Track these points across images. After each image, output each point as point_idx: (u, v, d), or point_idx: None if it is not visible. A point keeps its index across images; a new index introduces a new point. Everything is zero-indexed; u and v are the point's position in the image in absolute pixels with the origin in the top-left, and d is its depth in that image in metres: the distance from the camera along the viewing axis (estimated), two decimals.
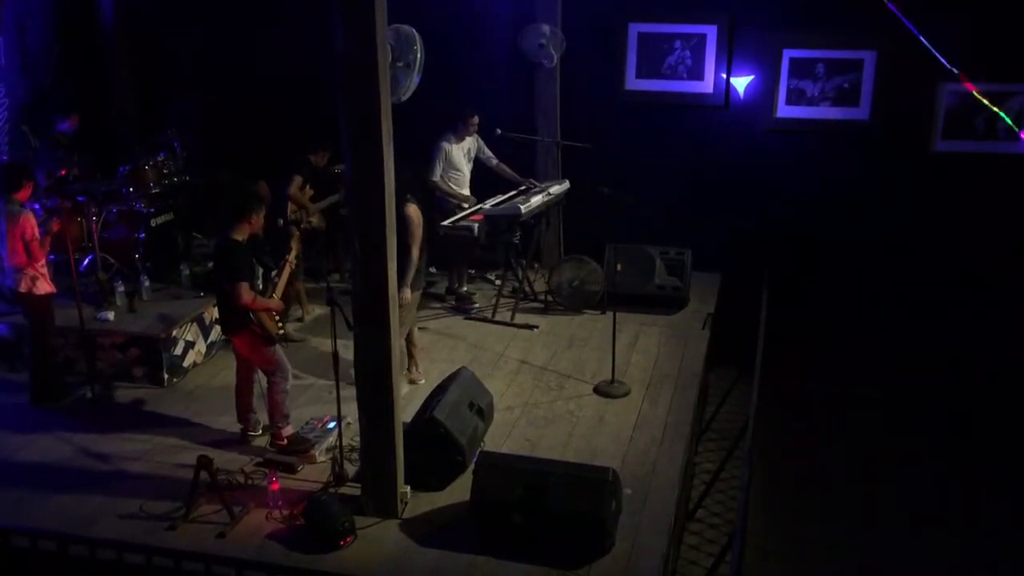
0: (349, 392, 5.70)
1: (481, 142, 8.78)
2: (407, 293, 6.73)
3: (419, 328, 7.61)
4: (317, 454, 6.08)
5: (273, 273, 6.35)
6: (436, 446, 5.75)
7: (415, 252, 6.76)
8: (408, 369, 7.22)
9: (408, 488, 5.56)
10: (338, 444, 5.86)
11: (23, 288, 6.75)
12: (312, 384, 7.19)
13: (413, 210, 6.77)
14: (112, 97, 10.40)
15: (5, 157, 9.00)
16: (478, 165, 8.84)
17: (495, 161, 8.85)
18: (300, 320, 8.33)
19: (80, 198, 8.17)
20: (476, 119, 8.54)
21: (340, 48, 4.85)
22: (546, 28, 8.76)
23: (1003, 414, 8.36)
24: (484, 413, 6.24)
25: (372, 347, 5.25)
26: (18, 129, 9.15)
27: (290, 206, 8.00)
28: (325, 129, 7.90)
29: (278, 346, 6.20)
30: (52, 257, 7.06)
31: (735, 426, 8.05)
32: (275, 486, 5.52)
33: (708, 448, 7.86)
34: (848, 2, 8.66)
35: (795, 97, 9.08)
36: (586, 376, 7.37)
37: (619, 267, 8.01)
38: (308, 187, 8.16)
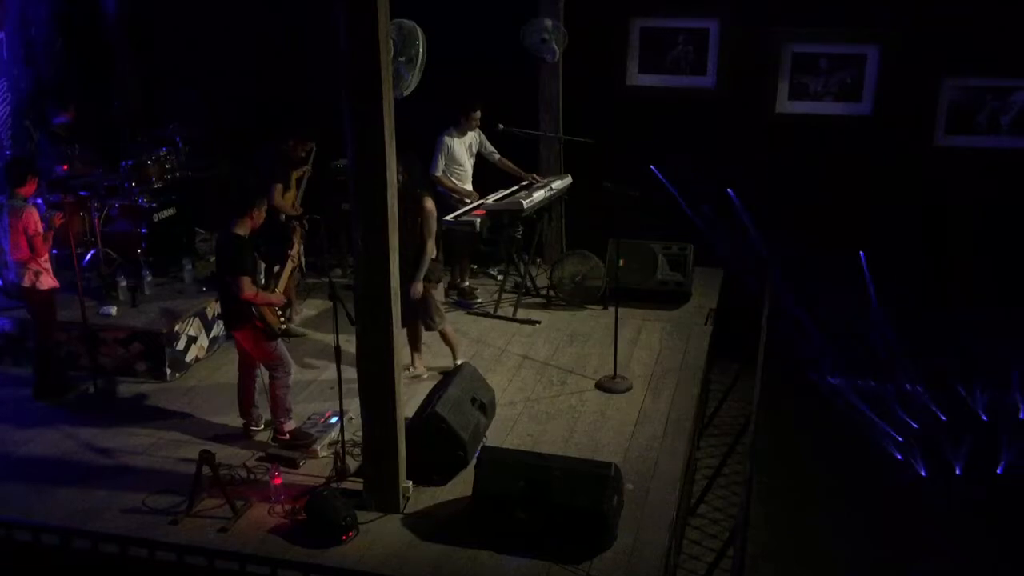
0: (351, 387, 5.69)
1: (483, 136, 8.77)
2: (419, 287, 6.78)
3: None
4: (319, 449, 6.09)
5: (276, 268, 6.35)
6: (438, 441, 5.76)
7: (431, 245, 6.82)
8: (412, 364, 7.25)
9: (410, 483, 5.57)
10: (340, 439, 5.87)
11: (26, 283, 6.76)
12: (314, 379, 7.20)
13: (430, 203, 6.83)
14: (114, 91, 10.40)
15: (8, 152, 9.01)
16: (480, 160, 8.83)
17: (497, 156, 8.84)
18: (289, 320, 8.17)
19: (82, 192, 8.18)
20: (478, 113, 8.53)
21: (343, 43, 4.85)
22: (548, 23, 8.74)
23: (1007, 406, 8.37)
24: (486, 408, 6.24)
25: (374, 342, 5.25)
26: (21, 123, 9.16)
27: (290, 205, 7.97)
28: (316, 120, 7.92)
29: (280, 341, 6.20)
30: (55, 252, 7.07)
31: (737, 422, 8.06)
32: (277, 481, 5.53)
33: (710, 444, 7.87)
34: None
35: (798, 92, 9.07)
36: (588, 371, 7.37)
37: (621, 262, 8.00)
38: (294, 184, 8.04)
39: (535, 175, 8.90)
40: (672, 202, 9.05)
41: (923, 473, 7.57)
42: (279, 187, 7.74)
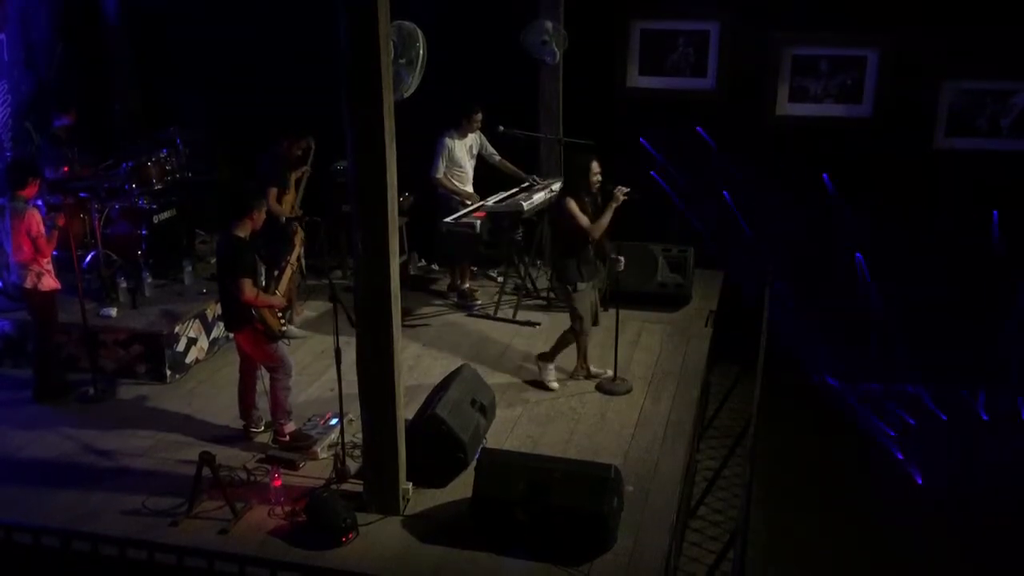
0: (352, 389, 5.69)
1: (484, 139, 8.77)
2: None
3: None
4: (319, 451, 6.09)
5: (276, 271, 6.35)
6: (438, 443, 5.75)
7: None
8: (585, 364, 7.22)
9: (410, 485, 5.57)
10: (340, 441, 5.87)
11: (28, 284, 6.77)
12: (314, 381, 7.19)
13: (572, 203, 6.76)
14: (115, 93, 10.41)
15: (9, 154, 9.01)
16: (481, 162, 8.84)
17: (498, 158, 8.84)
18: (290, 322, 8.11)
19: (83, 194, 8.18)
20: (479, 115, 8.53)
21: (343, 45, 4.85)
22: (549, 25, 8.75)
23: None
24: (486, 410, 6.24)
25: (374, 344, 5.25)
26: (22, 125, 9.16)
27: (290, 207, 7.97)
28: (317, 122, 7.92)
29: (280, 343, 6.20)
30: (56, 253, 7.07)
31: (737, 424, 8.06)
32: (277, 482, 5.53)
33: (710, 446, 7.87)
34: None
35: (798, 94, 9.08)
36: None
37: (622, 265, 8.01)
38: (293, 186, 8.05)
39: (535, 177, 8.90)
40: (672, 204, 9.05)
41: (919, 479, 7.58)
42: (274, 191, 7.73)
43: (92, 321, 7.20)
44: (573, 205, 6.74)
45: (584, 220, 6.72)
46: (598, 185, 6.82)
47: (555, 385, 7.10)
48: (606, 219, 6.75)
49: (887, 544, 6.73)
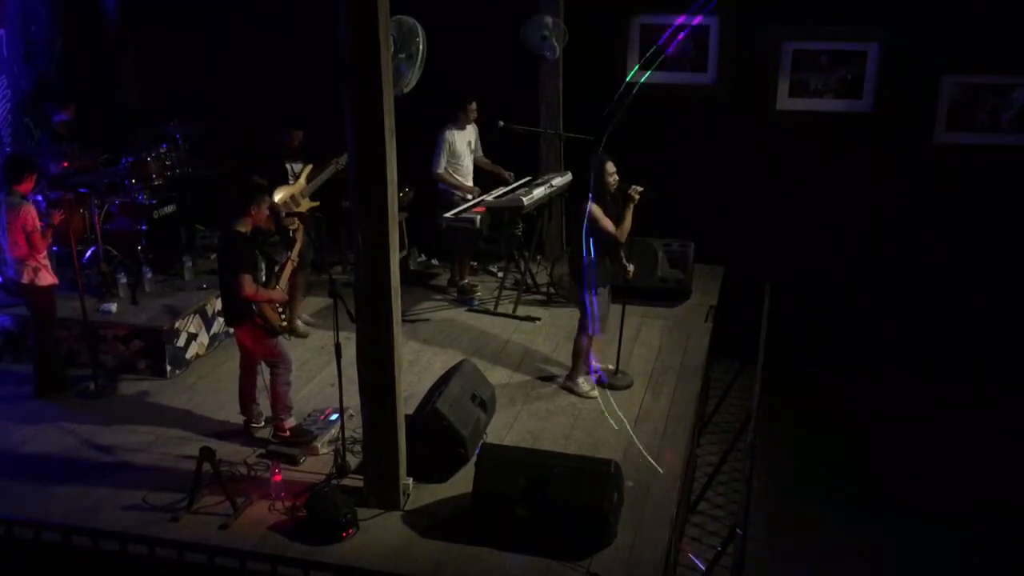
0: (352, 384, 5.69)
1: (477, 132, 8.77)
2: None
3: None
4: (319, 446, 6.09)
5: (276, 267, 6.35)
6: (438, 438, 5.76)
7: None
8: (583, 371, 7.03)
9: (410, 480, 5.57)
10: (340, 436, 5.87)
11: (26, 279, 6.76)
12: (315, 376, 7.20)
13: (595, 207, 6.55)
14: (115, 88, 10.40)
15: (8, 149, 9.01)
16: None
17: (480, 153, 8.85)
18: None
19: (82, 190, 8.17)
20: (474, 105, 8.52)
21: (343, 40, 4.84)
22: (549, 20, 8.74)
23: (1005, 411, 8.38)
24: (486, 405, 6.24)
25: (374, 339, 5.25)
26: (21, 121, 9.15)
27: (287, 201, 7.95)
28: (317, 117, 7.91)
29: (281, 338, 6.20)
30: (55, 249, 7.06)
31: (737, 419, 8.06)
32: (278, 478, 5.53)
33: (710, 441, 7.88)
34: None
35: (798, 89, 9.06)
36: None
37: (631, 273, 7.99)
38: (304, 177, 8.04)
39: (511, 174, 8.79)
40: (673, 199, 9.04)
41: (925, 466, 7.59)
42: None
43: (92, 316, 7.20)
44: (597, 210, 6.57)
45: (609, 224, 6.58)
46: (615, 186, 6.66)
47: (595, 393, 6.90)
48: (628, 221, 6.63)
49: (887, 541, 6.73)
